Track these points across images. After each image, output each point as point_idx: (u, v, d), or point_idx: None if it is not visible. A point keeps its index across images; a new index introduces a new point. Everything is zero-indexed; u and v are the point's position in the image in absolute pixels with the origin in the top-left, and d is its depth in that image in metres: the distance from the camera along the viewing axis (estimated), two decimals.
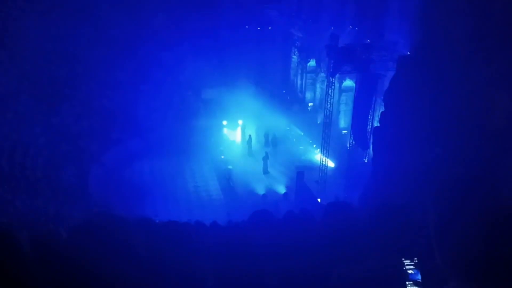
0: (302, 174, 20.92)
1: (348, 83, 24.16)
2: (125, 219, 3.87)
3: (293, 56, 30.96)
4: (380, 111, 18.50)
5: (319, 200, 20.02)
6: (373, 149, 18.51)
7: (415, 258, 2.08)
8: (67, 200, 17.37)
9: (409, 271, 2.07)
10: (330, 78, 21.22)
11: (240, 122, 26.71)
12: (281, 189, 22.02)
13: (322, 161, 21.72)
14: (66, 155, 20.07)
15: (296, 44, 30.06)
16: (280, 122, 27.25)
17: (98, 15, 24.90)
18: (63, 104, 22.92)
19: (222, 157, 24.93)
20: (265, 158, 23.53)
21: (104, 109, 24.22)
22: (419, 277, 2.05)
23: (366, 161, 20.97)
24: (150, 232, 3.83)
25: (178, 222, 5.88)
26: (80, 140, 21.65)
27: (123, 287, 2.62)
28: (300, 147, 26.25)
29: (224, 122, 27.14)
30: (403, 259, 2.09)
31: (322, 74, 26.88)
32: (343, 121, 25.27)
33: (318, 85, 28.90)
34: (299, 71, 30.60)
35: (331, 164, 22.44)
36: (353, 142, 21.23)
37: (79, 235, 3.20)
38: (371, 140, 19.22)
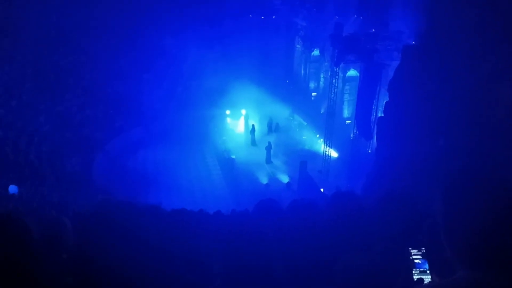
0: (305, 164, 20.91)
1: (352, 72, 24.03)
2: (131, 207, 3.90)
3: (297, 46, 30.77)
4: (384, 101, 18.44)
5: (322, 190, 20.05)
6: (376, 139, 18.49)
7: (423, 248, 2.09)
8: (71, 187, 17.47)
9: (416, 261, 2.08)
10: (334, 67, 21.13)
11: (243, 111, 26.67)
12: (284, 179, 22.05)
13: (325, 151, 21.72)
14: (70, 143, 20.15)
15: (300, 34, 29.84)
16: (283, 112, 27.17)
17: (101, 4, 24.78)
18: (67, 93, 22.96)
19: (225, 148, 24.95)
20: (268, 148, 23.54)
21: (108, 97, 24.23)
22: (426, 266, 2.06)
23: (369, 151, 20.96)
24: (156, 220, 3.85)
25: (184, 210, 5.91)
26: (84, 128, 21.71)
27: (130, 273, 2.65)
28: (303, 137, 26.22)
29: (227, 112, 27.11)
30: (410, 248, 2.10)
31: (326, 64, 26.74)
32: (347, 111, 25.19)
33: (321, 75, 28.77)
34: (303, 61, 30.45)
35: (334, 154, 22.42)
36: (357, 132, 21.20)
37: (85, 223, 3.22)
38: (375, 130, 19.18)
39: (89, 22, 24.73)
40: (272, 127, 26.11)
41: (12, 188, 15.18)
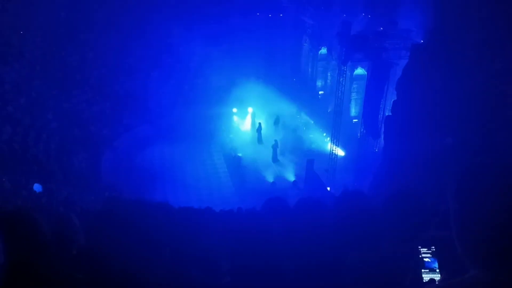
0: (312, 162, 20.88)
1: (360, 71, 23.94)
2: (139, 204, 3.92)
3: (304, 44, 30.69)
4: (392, 100, 18.36)
5: (328, 188, 20.01)
6: (384, 138, 18.42)
7: (432, 247, 2.08)
8: (79, 184, 17.59)
9: (426, 259, 2.07)
10: (342, 66, 21.05)
11: (250, 109, 26.68)
12: (291, 177, 22.03)
13: (332, 150, 21.67)
14: (78, 140, 20.27)
15: (307, 32, 29.77)
16: (290, 110, 27.13)
17: (109, 1, 24.88)
18: (75, 90, 23.08)
19: (231, 146, 24.95)
20: (275, 146, 23.51)
21: (115, 94, 24.35)
22: (436, 265, 2.05)
23: (376, 150, 20.88)
24: (164, 217, 3.87)
25: (191, 207, 5.93)
26: (91, 125, 21.83)
27: (139, 270, 2.67)
28: (310, 135, 26.17)
29: (234, 110, 27.12)
30: (419, 247, 2.09)
31: (334, 62, 26.64)
32: (354, 110, 25.10)
33: (329, 73, 28.68)
34: (310, 59, 30.35)
35: (341, 152, 22.37)
36: (364, 131, 21.13)
37: (93, 220, 3.24)
38: (382, 129, 19.11)
39: (97, 19, 24.85)
40: (278, 125, 26.08)
41: (37, 187, 15.37)
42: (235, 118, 27.27)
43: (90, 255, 2.83)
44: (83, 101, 23.10)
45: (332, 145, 21.75)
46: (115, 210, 3.17)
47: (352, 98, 24.98)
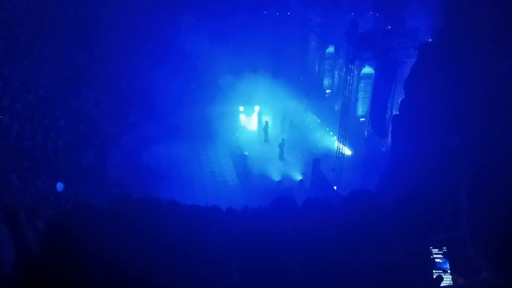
0: (319, 161, 20.82)
1: (367, 70, 23.80)
2: (147, 202, 3.92)
3: (312, 42, 30.60)
4: (400, 99, 18.24)
5: (335, 187, 19.94)
6: (391, 138, 18.31)
7: (444, 248, 2.05)
8: (86, 181, 17.68)
9: (437, 260, 2.04)
10: (349, 64, 20.95)
11: (256, 108, 26.65)
12: (297, 176, 21.99)
13: (339, 149, 21.59)
14: (85, 138, 20.38)
15: (314, 30, 29.67)
16: (297, 109, 27.07)
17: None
18: (82, 88, 23.19)
19: (238, 144, 24.97)
20: (281, 145, 23.50)
21: (122, 93, 24.43)
22: (447, 266, 2.02)
23: (384, 149, 20.78)
24: (171, 215, 3.87)
25: (197, 206, 5.92)
26: (98, 123, 21.93)
27: (148, 268, 2.66)
28: (317, 134, 26.11)
29: (241, 108, 27.12)
30: (431, 247, 2.06)
31: (341, 61, 26.54)
32: (361, 109, 24.98)
33: (336, 72, 28.57)
34: (317, 58, 30.25)
35: (348, 152, 22.29)
36: (371, 130, 21.03)
37: (103, 216, 3.24)
38: (390, 129, 19.00)
39: (105, 17, 24.94)
40: (285, 124, 26.04)
41: (59, 186, 15.54)
42: (242, 116, 27.26)
43: (98, 251, 2.83)
44: (90, 99, 23.21)
45: (339, 144, 21.68)
46: (122, 207, 3.17)
47: (360, 97, 24.85)
